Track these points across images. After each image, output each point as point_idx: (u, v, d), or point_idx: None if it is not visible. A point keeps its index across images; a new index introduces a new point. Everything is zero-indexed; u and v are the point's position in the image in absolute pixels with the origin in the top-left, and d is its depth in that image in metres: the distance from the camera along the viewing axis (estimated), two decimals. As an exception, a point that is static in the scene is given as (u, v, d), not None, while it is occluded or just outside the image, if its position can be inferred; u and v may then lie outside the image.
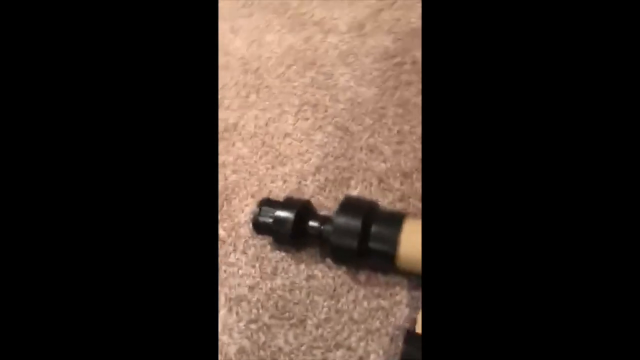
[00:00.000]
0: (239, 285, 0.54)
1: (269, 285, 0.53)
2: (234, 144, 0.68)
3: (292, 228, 0.49)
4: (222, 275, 0.55)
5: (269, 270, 0.54)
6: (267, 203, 0.53)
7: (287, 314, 0.50)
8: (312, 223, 0.50)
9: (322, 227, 0.49)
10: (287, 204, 0.52)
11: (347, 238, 0.45)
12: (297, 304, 0.51)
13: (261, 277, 0.54)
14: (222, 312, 0.52)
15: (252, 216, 0.55)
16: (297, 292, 0.52)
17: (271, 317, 0.50)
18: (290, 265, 0.54)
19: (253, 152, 0.66)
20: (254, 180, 0.63)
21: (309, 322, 0.49)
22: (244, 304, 0.52)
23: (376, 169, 0.59)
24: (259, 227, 0.53)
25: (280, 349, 0.48)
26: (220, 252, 0.57)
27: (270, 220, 0.51)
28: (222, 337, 0.50)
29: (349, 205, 0.48)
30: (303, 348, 0.47)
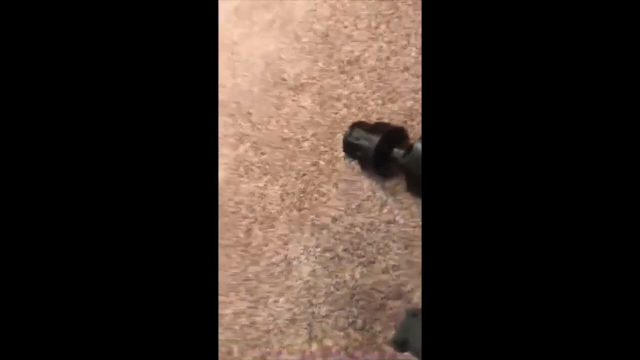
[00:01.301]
0: (324, 214, 0.55)
1: (350, 220, 0.52)
2: (352, 78, 0.66)
3: (375, 152, 0.46)
4: (312, 202, 0.57)
5: (353, 206, 0.53)
6: (360, 125, 0.51)
7: (359, 252, 0.49)
8: (397, 150, 0.45)
9: (403, 154, 0.44)
10: (378, 127, 0.48)
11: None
12: (370, 244, 0.49)
13: (345, 212, 0.53)
14: (305, 235, 0.55)
15: (343, 136, 0.54)
16: (374, 233, 0.49)
17: (345, 250, 0.51)
18: (374, 205, 0.51)
19: (367, 86, 0.63)
20: (361, 115, 0.61)
21: (378, 265, 0.47)
22: (324, 232, 0.54)
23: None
24: (347, 147, 0.52)
25: (345, 282, 0.48)
26: (315, 181, 0.59)
27: (357, 141, 0.49)
28: (301, 257, 0.54)
29: None
30: (366, 288, 0.46)
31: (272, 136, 0.70)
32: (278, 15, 0.91)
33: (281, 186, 0.62)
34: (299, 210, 0.58)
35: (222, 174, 0.74)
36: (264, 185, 0.65)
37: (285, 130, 0.69)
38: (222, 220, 0.66)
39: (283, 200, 0.61)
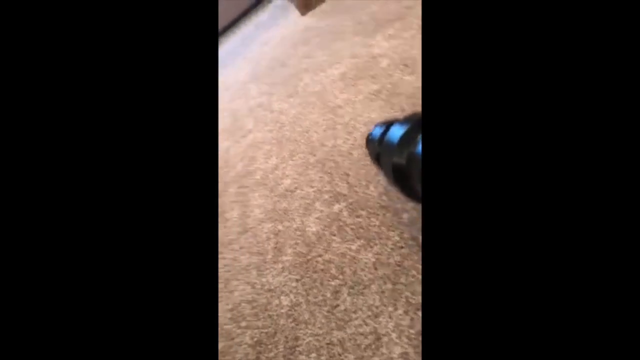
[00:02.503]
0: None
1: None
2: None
3: (376, 146, 0.48)
4: (409, 278, 0.56)
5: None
6: (386, 121, 0.52)
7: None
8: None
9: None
10: (401, 120, 0.46)
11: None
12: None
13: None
14: (398, 312, 0.54)
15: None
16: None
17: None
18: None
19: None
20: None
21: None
22: (421, 313, 0.52)
23: None
24: (366, 141, 0.55)
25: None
26: (414, 256, 0.58)
27: (370, 136, 0.51)
28: (392, 334, 0.52)
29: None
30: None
31: (369, 201, 0.72)
32: (385, 87, 0.97)
33: (375, 254, 0.63)
34: (394, 284, 0.57)
35: (314, 228, 0.77)
36: (357, 249, 0.66)
37: (384, 198, 0.70)
38: (310, 276, 0.68)
39: (376, 269, 0.61)
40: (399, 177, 0.42)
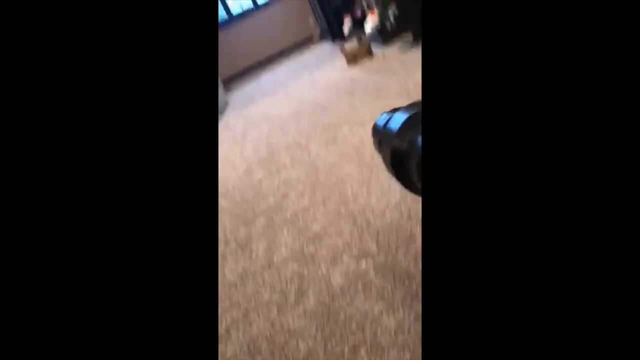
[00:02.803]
0: None
1: None
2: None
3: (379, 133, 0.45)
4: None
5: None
6: (393, 109, 0.49)
7: None
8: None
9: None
10: (404, 108, 0.45)
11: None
12: None
13: None
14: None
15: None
16: None
17: None
18: None
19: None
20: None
21: None
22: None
23: None
24: (372, 130, 0.51)
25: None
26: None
27: (375, 124, 0.49)
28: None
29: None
30: None
31: (397, 266, 0.77)
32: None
33: (397, 321, 0.67)
34: (412, 354, 0.60)
35: (340, 280, 0.81)
36: (379, 311, 0.70)
37: (412, 267, 0.75)
38: (330, 327, 0.72)
39: (396, 336, 0.64)
40: (397, 163, 0.41)
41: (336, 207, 1.08)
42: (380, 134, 0.47)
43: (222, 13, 4.74)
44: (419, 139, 0.35)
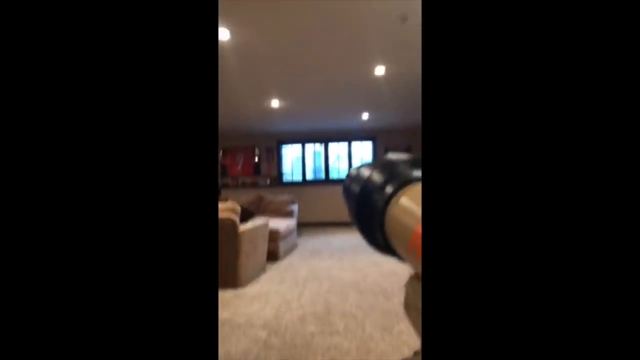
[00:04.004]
0: None
1: None
2: None
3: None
4: None
5: None
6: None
7: None
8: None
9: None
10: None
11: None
12: None
13: None
14: None
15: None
16: None
17: None
18: None
19: None
20: None
21: None
22: None
23: None
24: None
25: None
26: None
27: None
28: None
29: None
30: None
31: None
32: None
33: None
34: None
35: None
36: None
37: None
38: None
39: None
40: (360, 206, 0.33)
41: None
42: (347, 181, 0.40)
43: (322, 173, 5.64)
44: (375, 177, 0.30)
